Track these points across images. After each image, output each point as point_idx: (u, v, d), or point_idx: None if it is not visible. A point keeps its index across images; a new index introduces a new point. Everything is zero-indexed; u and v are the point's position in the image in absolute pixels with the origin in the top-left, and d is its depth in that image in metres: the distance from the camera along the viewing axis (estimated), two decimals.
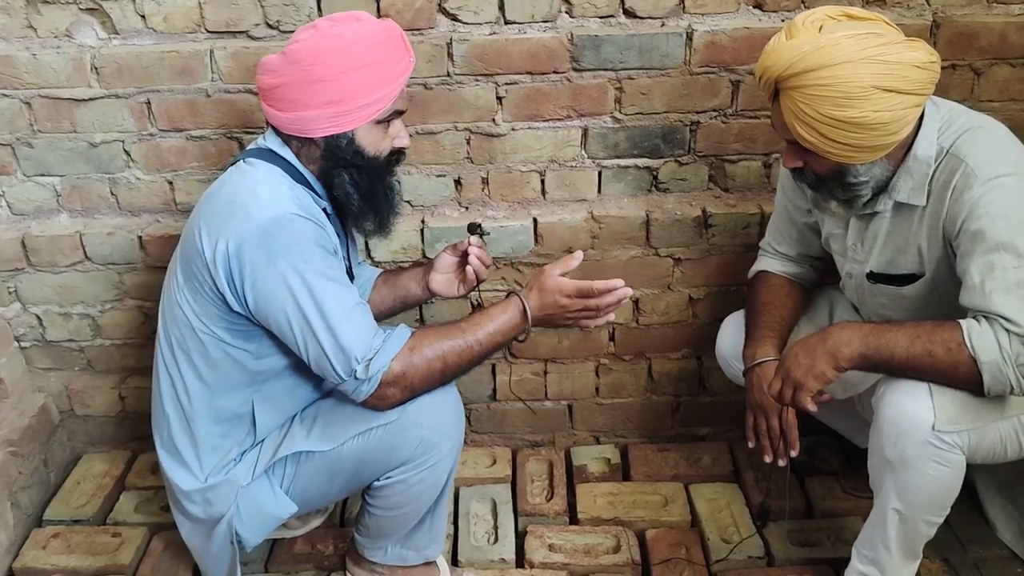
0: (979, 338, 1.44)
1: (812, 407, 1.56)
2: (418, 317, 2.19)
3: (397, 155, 1.67)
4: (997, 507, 1.97)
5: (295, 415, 1.74)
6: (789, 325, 1.85)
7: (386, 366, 1.53)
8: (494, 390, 2.30)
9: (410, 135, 2.00)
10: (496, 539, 2.05)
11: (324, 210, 1.63)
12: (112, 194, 2.11)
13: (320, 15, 1.93)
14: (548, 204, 2.13)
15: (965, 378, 1.47)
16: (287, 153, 1.62)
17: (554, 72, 2.00)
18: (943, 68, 1.59)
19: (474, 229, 1.80)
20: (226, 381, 1.65)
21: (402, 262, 2.13)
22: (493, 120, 2.05)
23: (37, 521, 2.14)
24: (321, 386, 1.76)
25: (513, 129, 2.06)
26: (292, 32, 1.73)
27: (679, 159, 2.10)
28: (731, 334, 1.96)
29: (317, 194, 1.63)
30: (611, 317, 1.62)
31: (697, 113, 2.05)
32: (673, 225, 2.11)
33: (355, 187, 1.62)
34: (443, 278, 1.84)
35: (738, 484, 2.18)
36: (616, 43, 1.97)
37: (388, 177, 1.67)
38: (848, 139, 1.50)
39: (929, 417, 1.49)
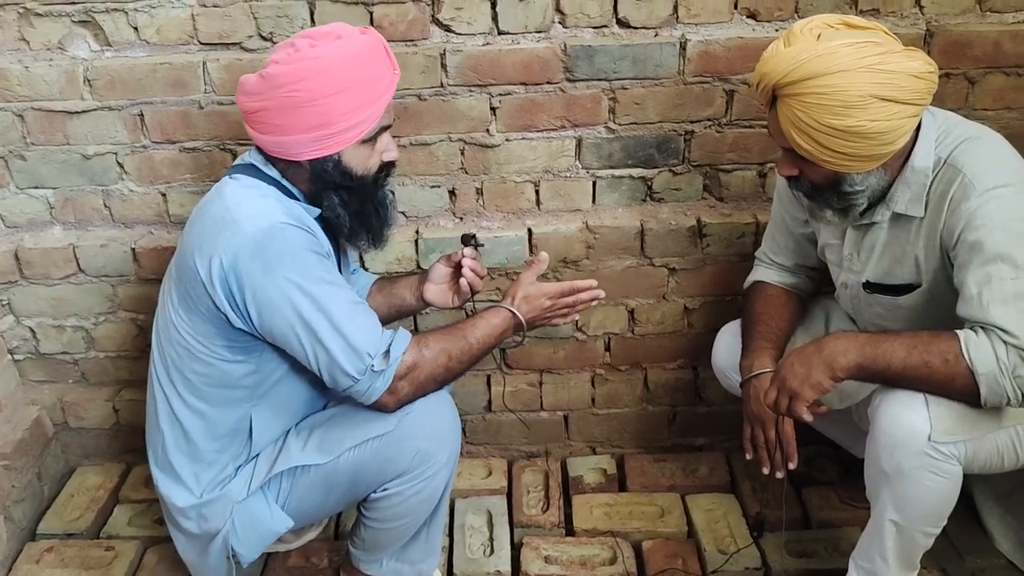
0: (976, 349, 1.44)
1: (808, 417, 1.55)
2: (413, 328, 2.18)
3: (387, 168, 1.66)
4: (995, 517, 1.96)
5: (290, 429, 1.73)
6: (786, 336, 1.85)
7: (400, 355, 1.53)
8: (489, 401, 2.30)
9: (404, 146, 2.03)
10: (492, 551, 2.04)
11: (316, 219, 1.62)
12: (105, 206, 2.11)
13: (314, 26, 1.92)
14: (542, 214, 2.13)
15: (962, 389, 1.46)
16: (272, 171, 1.61)
17: (548, 82, 1.99)
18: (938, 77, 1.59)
19: (468, 240, 1.79)
20: (224, 397, 1.64)
21: (396, 273, 2.12)
22: (487, 131, 2.04)
23: (31, 535, 2.13)
24: (318, 397, 1.75)
25: (507, 139, 2.05)
26: None
27: (673, 169, 2.10)
28: (727, 344, 1.95)
29: (307, 204, 1.62)
30: (578, 316, 1.75)
31: (691, 123, 2.05)
32: (668, 235, 2.10)
33: (345, 207, 1.61)
34: (437, 288, 1.84)
35: (735, 494, 2.18)
36: (610, 53, 1.97)
37: (378, 193, 1.65)
38: (844, 148, 1.49)
39: (925, 428, 1.49)
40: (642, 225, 2.10)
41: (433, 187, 2.11)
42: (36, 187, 2.09)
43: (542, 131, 2.05)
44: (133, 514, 2.18)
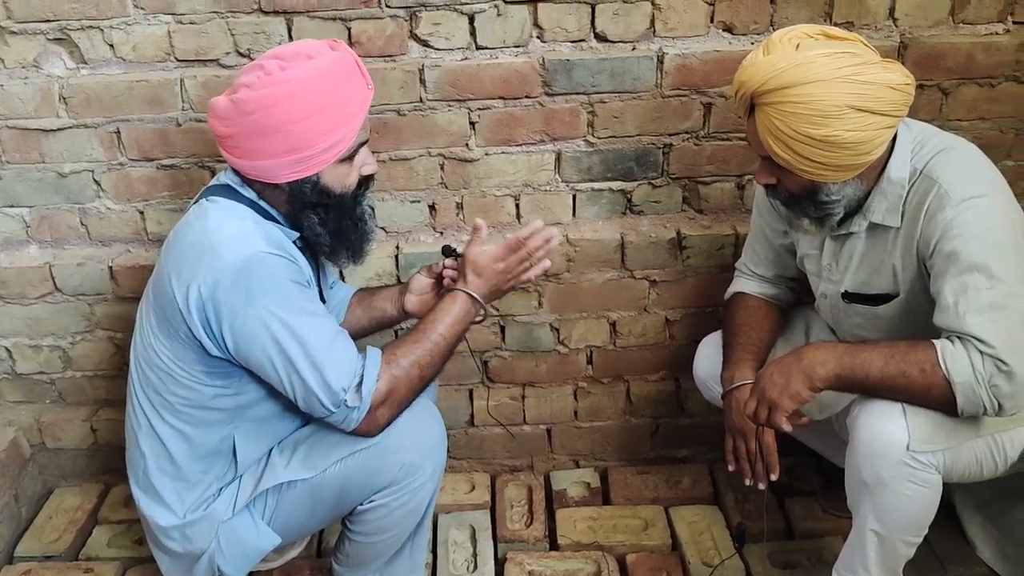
0: (953, 359, 1.45)
1: (787, 427, 1.56)
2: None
3: (366, 183, 1.65)
4: (976, 526, 1.97)
5: (273, 447, 1.71)
6: (766, 347, 1.85)
7: (373, 387, 1.52)
8: (472, 415, 2.29)
9: (384, 161, 2.03)
10: (475, 567, 2.03)
11: (294, 241, 1.61)
12: (82, 224, 2.09)
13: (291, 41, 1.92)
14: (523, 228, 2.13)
15: (939, 399, 1.47)
16: (250, 193, 1.60)
17: (526, 97, 2.00)
18: None
19: (449, 252, 1.79)
20: (206, 419, 1.63)
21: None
22: (466, 145, 2.04)
23: (8, 558, 2.10)
24: (301, 416, 1.73)
25: (487, 154, 2.06)
26: None
27: (653, 182, 2.11)
28: (708, 355, 1.96)
29: (285, 226, 1.61)
30: (547, 264, 1.68)
31: (670, 136, 2.06)
32: (648, 247, 2.11)
33: (324, 226, 1.60)
34: (418, 299, 1.83)
35: (718, 506, 2.18)
36: (588, 67, 1.98)
37: (357, 208, 1.64)
38: (821, 157, 1.51)
39: (903, 437, 1.49)
40: (622, 238, 2.10)
41: (413, 202, 2.10)
42: (11, 206, 2.07)
43: (521, 145, 2.05)
44: (112, 535, 2.15)
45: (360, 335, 1.89)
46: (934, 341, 1.48)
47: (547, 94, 2.00)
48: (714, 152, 2.08)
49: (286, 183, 1.55)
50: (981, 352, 1.43)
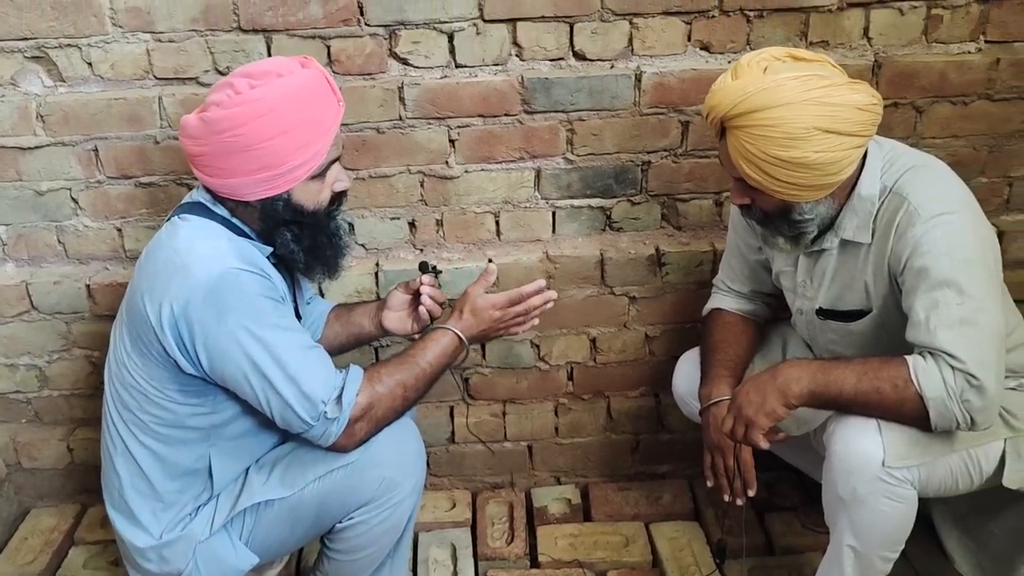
0: (924, 375, 1.46)
1: (764, 444, 1.56)
2: (374, 359, 2.17)
3: (338, 199, 1.64)
4: (954, 539, 1.97)
5: (250, 466, 1.70)
6: (744, 363, 1.86)
7: (353, 400, 1.52)
8: (452, 432, 2.28)
9: (363, 178, 2.03)
10: None
11: (268, 257, 1.60)
12: (59, 242, 2.08)
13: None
14: (503, 245, 2.14)
15: (912, 414, 1.48)
16: (222, 210, 1.59)
17: (506, 114, 2.01)
18: (886, 106, 1.63)
19: (426, 268, 1.80)
20: (180, 438, 1.62)
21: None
22: (446, 162, 2.05)
23: None
24: (278, 434, 1.72)
25: (466, 171, 2.06)
26: None
27: (631, 199, 2.12)
28: (687, 372, 1.96)
29: (258, 242, 1.60)
30: (536, 322, 1.72)
31: (648, 153, 2.08)
32: (627, 264, 2.12)
33: (298, 243, 1.59)
34: (396, 316, 1.83)
35: (698, 522, 2.18)
36: (566, 85, 1.99)
37: (331, 224, 1.63)
38: (792, 178, 1.52)
39: (879, 453, 1.50)
40: (602, 254, 2.11)
41: (393, 219, 2.11)
42: None
43: (501, 162, 2.06)
44: (88, 556, 2.13)
45: (338, 351, 1.88)
46: (906, 357, 1.50)
47: (526, 112, 2.01)
48: (692, 169, 2.10)
49: (257, 201, 1.54)
50: (952, 367, 1.45)
